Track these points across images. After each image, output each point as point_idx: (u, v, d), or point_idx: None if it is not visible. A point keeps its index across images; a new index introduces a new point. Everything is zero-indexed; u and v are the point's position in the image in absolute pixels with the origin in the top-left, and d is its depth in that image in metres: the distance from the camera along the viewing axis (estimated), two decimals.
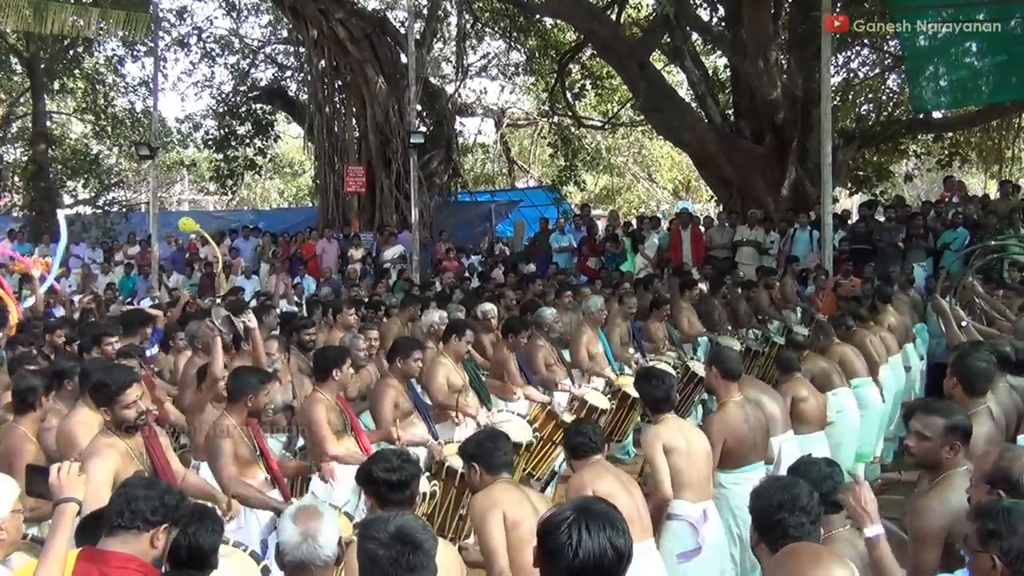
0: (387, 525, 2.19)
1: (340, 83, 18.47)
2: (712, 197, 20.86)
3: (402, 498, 3.01)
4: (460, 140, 22.12)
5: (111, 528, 2.63)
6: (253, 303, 11.18)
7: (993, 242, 9.56)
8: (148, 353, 7.23)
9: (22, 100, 22.35)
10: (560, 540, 1.94)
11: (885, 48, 16.81)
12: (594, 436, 3.82)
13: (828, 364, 6.25)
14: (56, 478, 2.74)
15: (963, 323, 5.66)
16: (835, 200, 15.16)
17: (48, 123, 21.57)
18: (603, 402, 6.60)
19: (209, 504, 3.60)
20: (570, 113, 20.40)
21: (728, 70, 17.06)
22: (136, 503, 2.62)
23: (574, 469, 3.83)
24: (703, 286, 9.81)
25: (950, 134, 17.52)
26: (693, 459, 4.16)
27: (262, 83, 21.99)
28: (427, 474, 4.75)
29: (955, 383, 3.77)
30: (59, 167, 20.71)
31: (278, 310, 8.97)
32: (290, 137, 28.21)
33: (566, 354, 7.38)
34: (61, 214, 11.33)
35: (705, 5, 17.30)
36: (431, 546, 2.20)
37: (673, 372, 7.13)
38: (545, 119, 22.60)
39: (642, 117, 18.53)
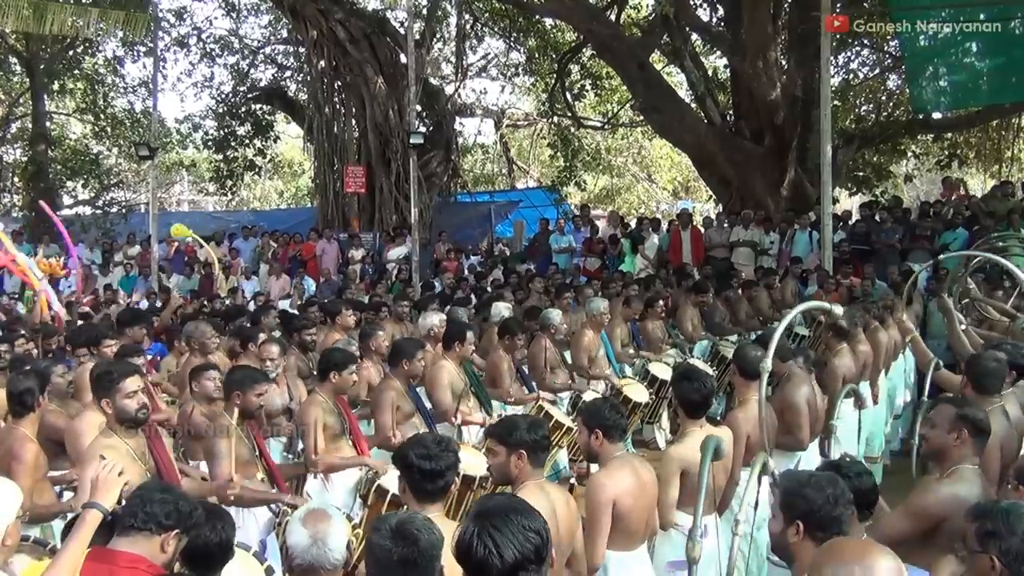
0: (391, 520, 2.23)
1: (340, 83, 18.46)
2: (712, 197, 20.88)
3: (433, 487, 2.89)
4: (460, 140, 22.13)
5: (123, 528, 2.63)
6: (252, 304, 11.22)
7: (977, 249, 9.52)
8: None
9: (22, 100, 22.33)
10: (480, 554, 1.92)
11: (885, 48, 16.81)
12: (622, 422, 3.63)
13: (854, 361, 6.19)
14: (95, 477, 2.75)
15: (961, 326, 5.64)
16: (835, 201, 15.16)
17: (48, 123, 21.56)
18: None
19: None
20: (570, 113, 20.40)
21: (728, 70, 17.06)
22: (151, 506, 2.63)
23: (600, 460, 3.65)
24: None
25: (949, 135, 17.53)
26: (711, 477, 4.00)
27: (262, 83, 21.96)
28: None
29: (966, 382, 3.81)
30: (59, 167, 20.69)
31: (276, 311, 8.97)
32: (290, 137, 28.20)
33: (567, 356, 7.37)
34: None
35: (705, 5, 17.31)
36: (430, 543, 2.18)
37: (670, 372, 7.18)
38: (545, 119, 22.59)
39: (642, 117, 18.53)
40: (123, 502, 2.75)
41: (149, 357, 7.46)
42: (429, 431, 5.40)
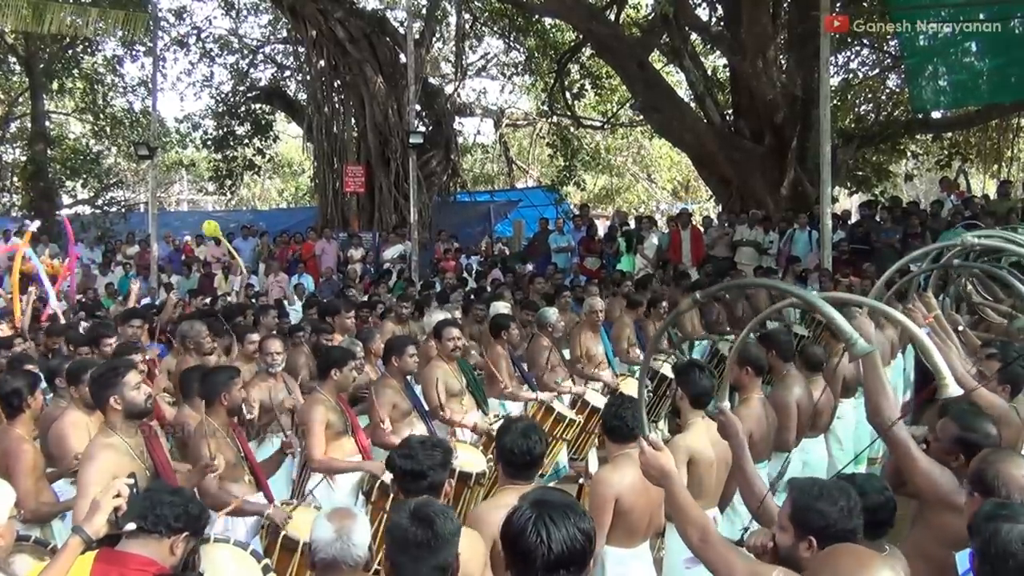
0: (410, 504, 2.33)
1: (339, 83, 18.46)
2: (711, 197, 20.88)
3: (417, 488, 2.94)
4: (459, 140, 22.11)
5: (132, 530, 2.62)
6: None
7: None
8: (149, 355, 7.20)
9: (21, 100, 22.31)
10: (531, 541, 1.94)
11: (885, 48, 16.82)
12: (632, 421, 3.65)
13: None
14: (95, 500, 2.68)
15: (960, 327, 5.60)
16: (835, 200, 15.16)
17: (47, 123, 21.54)
18: (603, 402, 6.59)
19: None
20: (569, 113, 20.40)
21: (728, 70, 17.06)
22: (161, 508, 2.62)
23: (608, 454, 3.69)
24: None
25: (949, 134, 17.54)
26: (715, 468, 4.02)
27: (261, 83, 21.97)
28: None
29: (1005, 387, 3.83)
30: (58, 167, 20.68)
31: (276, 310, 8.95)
32: (289, 137, 28.19)
33: (566, 354, 7.38)
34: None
35: (704, 5, 17.32)
36: (445, 528, 2.24)
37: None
38: (544, 119, 22.59)
39: (641, 117, 18.52)
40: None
41: (151, 354, 7.46)
42: (426, 429, 5.44)
